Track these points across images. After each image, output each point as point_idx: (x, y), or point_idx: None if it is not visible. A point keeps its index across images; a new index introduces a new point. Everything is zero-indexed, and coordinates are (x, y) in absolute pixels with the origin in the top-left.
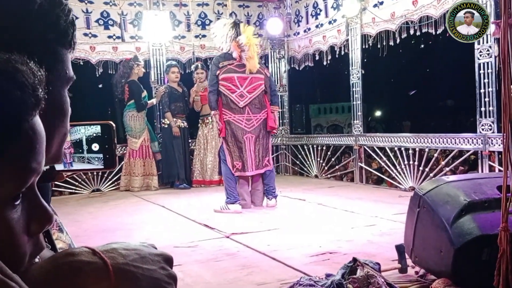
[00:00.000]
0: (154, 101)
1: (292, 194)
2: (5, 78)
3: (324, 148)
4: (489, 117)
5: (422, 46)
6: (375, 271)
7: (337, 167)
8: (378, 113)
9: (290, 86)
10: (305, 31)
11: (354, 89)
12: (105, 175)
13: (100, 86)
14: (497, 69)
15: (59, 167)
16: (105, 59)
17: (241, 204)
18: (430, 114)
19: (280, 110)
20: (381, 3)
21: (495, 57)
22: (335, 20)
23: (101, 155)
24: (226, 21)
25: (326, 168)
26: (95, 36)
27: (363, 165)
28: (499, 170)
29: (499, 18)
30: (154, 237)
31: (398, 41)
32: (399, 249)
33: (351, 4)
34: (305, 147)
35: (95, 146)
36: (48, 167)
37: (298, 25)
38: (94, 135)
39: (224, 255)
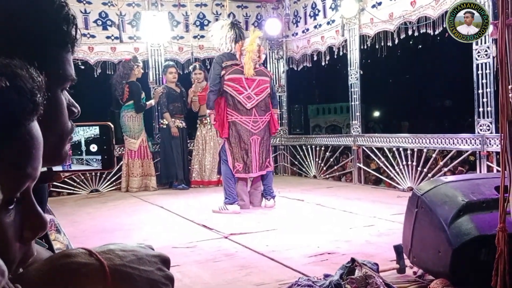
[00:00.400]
0: (152, 102)
1: (290, 194)
2: (4, 83)
3: (322, 148)
4: (487, 117)
5: (420, 46)
6: (373, 272)
7: (335, 167)
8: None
9: (288, 87)
10: (303, 31)
11: (352, 89)
12: (104, 176)
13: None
14: (495, 69)
15: (57, 168)
16: (103, 59)
17: (240, 204)
18: (428, 115)
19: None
20: (379, 3)
21: (493, 57)
22: (333, 21)
23: (99, 156)
24: (223, 23)
25: (324, 168)
26: (93, 36)
27: (361, 165)
28: (497, 171)
29: (497, 19)
30: (152, 238)
31: (396, 41)
32: (397, 249)
33: (349, 5)
34: (304, 147)
35: (93, 147)
36: (45, 168)
37: (297, 26)
38: (93, 136)
39: (223, 256)
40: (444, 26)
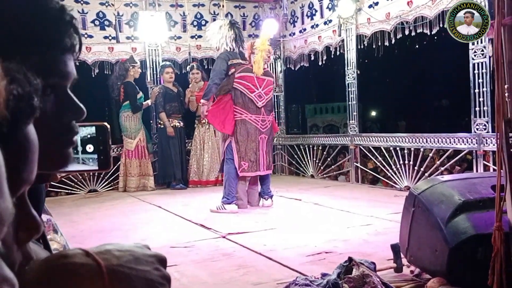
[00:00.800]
0: (149, 102)
1: (288, 194)
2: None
3: (320, 148)
4: (484, 117)
5: (417, 46)
6: (371, 271)
7: (333, 167)
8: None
9: (286, 86)
10: (300, 31)
11: (349, 89)
12: (101, 176)
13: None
14: (491, 69)
15: None
16: (101, 59)
17: (237, 204)
18: (425, 114)
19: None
20: (376, 3)
21: (489, 57)
22: (330, 21)
23: (95, 156)
24: (222, 22)
25: (322, 168)
26: (91, 36)
27: (358, 165)
28: (494, 170)
29: (493, 19)
30: (150, 238)
31: (393, 41)
32: (395, 248)
33: (346, 5)
34: (301, 147)
35: (90, 147)
36: None
37: (294, 26)
38: (89, 136)
39: (221, 255)
40: (441, 26)
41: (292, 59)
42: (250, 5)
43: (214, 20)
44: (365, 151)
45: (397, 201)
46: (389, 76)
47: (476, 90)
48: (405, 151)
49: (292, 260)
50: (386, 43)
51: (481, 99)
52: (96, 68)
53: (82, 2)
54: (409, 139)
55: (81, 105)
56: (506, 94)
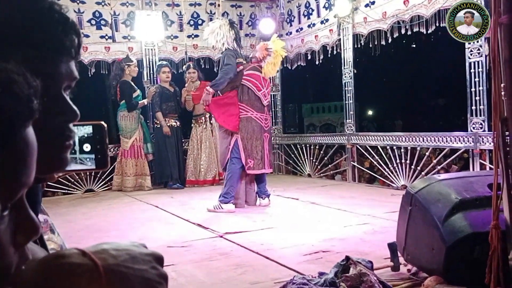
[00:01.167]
0: (145, 101)
1: (285, 193)
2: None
3: (317, 147)
4: (480, 115)
5: (414, 45)
6: (368, 269)
7: (330, 166)
8: (370, 112)
9: (282, 86)
10: (297, 30)
11: (346, 88)
12: (98, 175)
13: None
14: (487, 68)
15: None
16: (97, 59)
17: (235, 203)
18: (421, 113)
19: (273, 109)
20: (373, 2)
21: (486, 56)
22: (327, 20)
23: (92, 156)
24: (221, 22)
25: (319, 167)
26: (87, 36)
27: (355, 164)
28: (490, 168)
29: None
30: (147, 237)
31: (390, 40)
32: (392, 247)
33: (343, 4)
34: (298, 146)
35: (87, 147)
36: None
37: (291, 25)
38: (86, 135)
39: (218, 255)
40: (437, 25)
41: (289, 59)
42: (246, 4)
43: (211, 19)
44: (362, 150)
45: (394, 200)
46: (386, 75)
47: (473, 89)
48: (402, 150)
49: (290, 259)
50: (383, 42)
51: (477, 98)
52: (93, 68)
53: (78, 1)
54: (405, 138)
55: (75, 108)
56: (503, 93)
